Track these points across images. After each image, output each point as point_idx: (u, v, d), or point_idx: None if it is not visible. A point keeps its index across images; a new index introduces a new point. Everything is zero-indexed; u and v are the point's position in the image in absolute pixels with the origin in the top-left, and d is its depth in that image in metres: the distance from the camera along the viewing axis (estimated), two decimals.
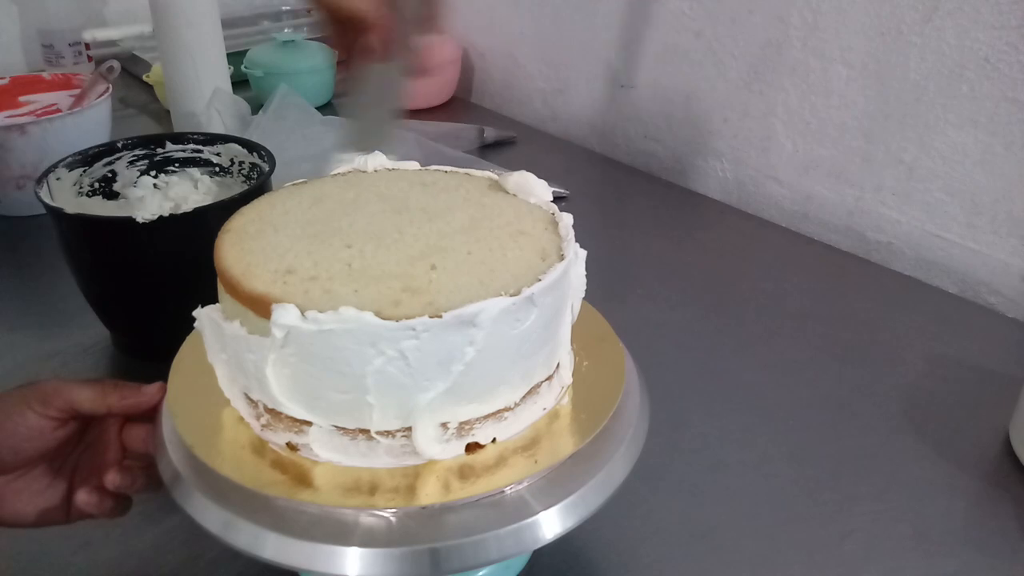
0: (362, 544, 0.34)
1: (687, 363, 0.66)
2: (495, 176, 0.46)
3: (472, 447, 0.37)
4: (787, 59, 0.87)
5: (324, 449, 0.37)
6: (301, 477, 0.37)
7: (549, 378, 0.40)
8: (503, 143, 1.09)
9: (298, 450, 0.38)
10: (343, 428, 0.37)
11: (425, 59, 0.52)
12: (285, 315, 0.34)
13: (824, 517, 0.52)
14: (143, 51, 1.31)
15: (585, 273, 0.42)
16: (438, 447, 0.36)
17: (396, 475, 0.37)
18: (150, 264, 0.61)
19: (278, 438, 0.38)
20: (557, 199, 0.90)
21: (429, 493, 0.36)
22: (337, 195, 0.44)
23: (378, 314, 0.33)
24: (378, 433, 0.36)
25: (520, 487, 0.37)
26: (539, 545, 0.36)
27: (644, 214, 0.93)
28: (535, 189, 0.43)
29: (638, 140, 1.07)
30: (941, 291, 0.78)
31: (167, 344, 0.46)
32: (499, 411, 0.38)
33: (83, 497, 0.42)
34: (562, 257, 0.38)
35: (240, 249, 0.39)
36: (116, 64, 0.94)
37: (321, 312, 0.33)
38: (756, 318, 0.72)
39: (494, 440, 0.38)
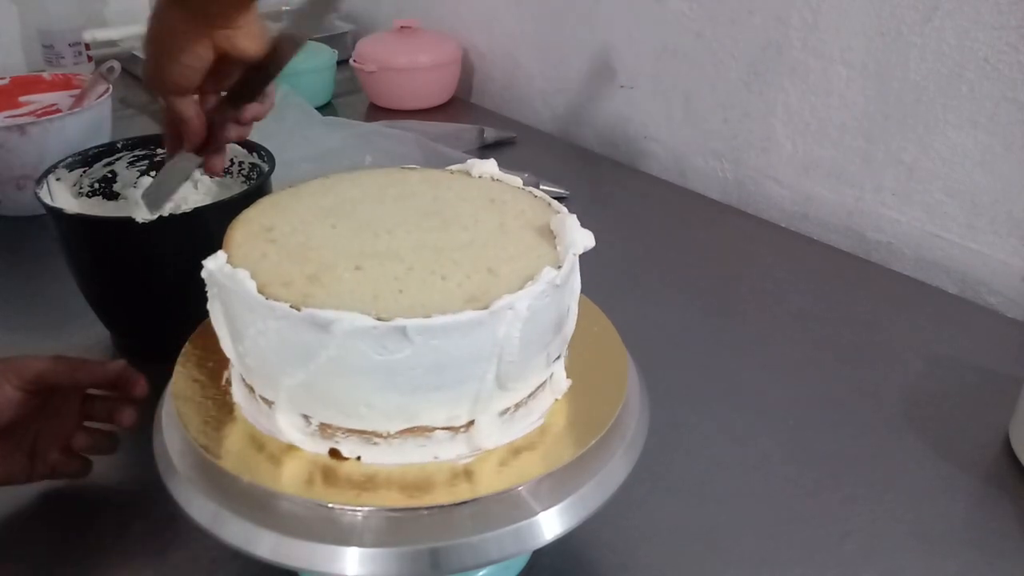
0: (362, 544, 0.34)
1: (687, 363, 0.66)
2: (558, 211, 0.43)
3: (334, 453, 0.37)
4: (787, 59, 0.87)
5: (237, 391, 0.41)
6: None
7: (451, 429, 0.37)
8: (503, 143, 1.09)
9: (230, 385, 0.42)
10: (241, 377, 0.40)
11: (219, 163, 0.58)
12: (213, 260, 0.38)
13: (824, 517, 0.52)
14: (143, 51, 1.31)
15: (518, 335, 0.36)
16: (298, 435, 0.38)
17: (274, 444, 0.38)
18: (150, 264, 0.61)
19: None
20: (557, 199, 0.89)
21: (290, 477, 0.37)
22: (399, 187, 0.46)
23: (261, 288, 0.35)
24: (259, 396, 0.38)
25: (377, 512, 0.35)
26: (539, 545, 0.36)
27: (644, 214, 0.93)
28: (565, 236, 0.39)
29: (638, 140, 1.07)
30: (941, 291, 0.78)
31: (167, 344, 0.46)
32: (367, 432, 0.37)
33: (55, 456, 0.50)
34: (485, 307, 0.35)
35: (270, 204, 0.44)
36: (116, 64, 0.94)
37: (232, 268, 0.37)
38: (756, 318, 0.72)
39: (359, 458, 0.37)
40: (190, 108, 0.54)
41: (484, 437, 0.38)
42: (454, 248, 0.39)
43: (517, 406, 0.39)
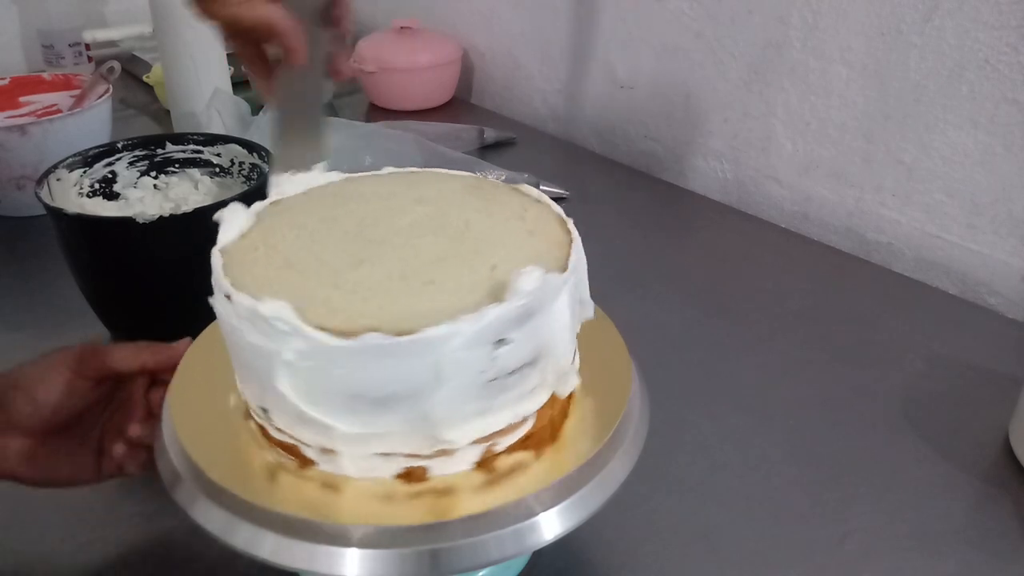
0: (362, 544, 0.34)
1: (687, 363, 0.66)
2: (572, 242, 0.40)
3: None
4: (787, 59, 0.87)
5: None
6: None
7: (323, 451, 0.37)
8: (503, 144, 1.09)
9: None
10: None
11: (339, 59, 0.50)
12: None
13: (824, 517, 0.52)
14: (143, 51, 1.31)
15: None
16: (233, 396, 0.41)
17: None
18: (150, 264, 0.61)
19: None
20: (557, 199, 0.90)
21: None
22: (417, 189, 0.45)
23: (231, 260, 0.38)
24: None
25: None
26: (539, 546, 0.36)
27: (644, 214, 0.93)
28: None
29: (638, 140, 1.07)
30: (941, 291, 0.78)
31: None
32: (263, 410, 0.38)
33: (119, 449, 0.44)
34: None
35: (332, 189, 0.46)
36: (116, 65, 0.94)
37: (231, 228, 0.40)
38: (756, 318, 0.72)
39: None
40: (275, 12, 0.45)
41: (351, 469, 0.36)
42: (434, 259, 0.37)
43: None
